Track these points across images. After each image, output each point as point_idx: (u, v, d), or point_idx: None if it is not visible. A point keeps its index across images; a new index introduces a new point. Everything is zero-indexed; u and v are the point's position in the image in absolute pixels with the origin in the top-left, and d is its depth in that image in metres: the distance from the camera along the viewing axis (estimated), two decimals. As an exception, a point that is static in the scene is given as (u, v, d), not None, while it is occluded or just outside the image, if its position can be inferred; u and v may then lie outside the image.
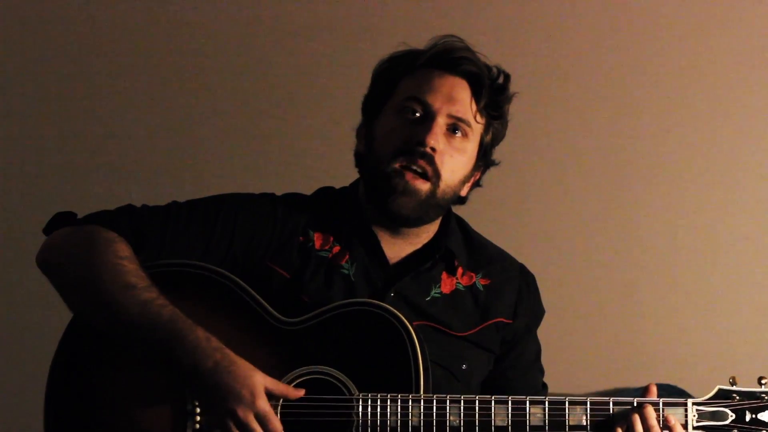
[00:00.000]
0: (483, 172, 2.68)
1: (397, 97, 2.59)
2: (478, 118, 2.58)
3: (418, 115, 2.55)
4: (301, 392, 2.42)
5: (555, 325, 3.43)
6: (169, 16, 3.74)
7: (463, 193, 2.64)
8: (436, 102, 2.55)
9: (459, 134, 2.56)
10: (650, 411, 2.40)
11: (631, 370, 3.62)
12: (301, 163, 3.67)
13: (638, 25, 3.69)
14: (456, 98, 2.56)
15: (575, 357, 3.61)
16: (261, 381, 2.37)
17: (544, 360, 2.77)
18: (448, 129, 2.56)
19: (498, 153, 2.70)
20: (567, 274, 3.64)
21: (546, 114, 3.66)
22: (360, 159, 2.65)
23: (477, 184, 2.68)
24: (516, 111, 3.53)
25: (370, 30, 3.69)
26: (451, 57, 2.57)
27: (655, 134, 3.67)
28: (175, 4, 3.75)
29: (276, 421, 2.37)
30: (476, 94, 2.57)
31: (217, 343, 2.38)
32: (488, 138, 2.63)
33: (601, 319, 3.65)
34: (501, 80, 2.62)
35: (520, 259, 2.77)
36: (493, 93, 2.60)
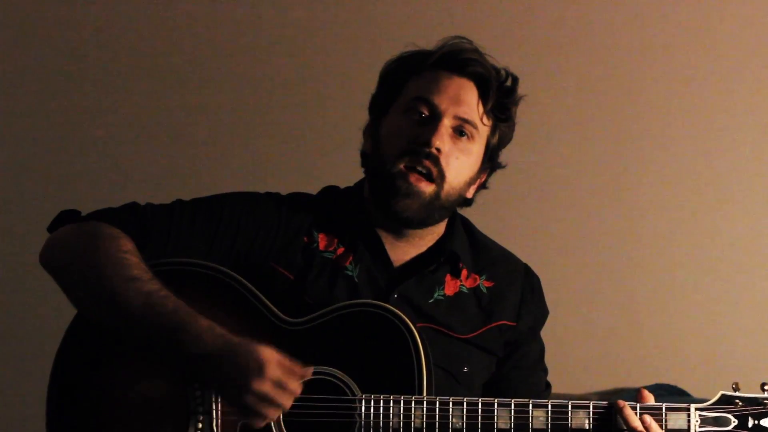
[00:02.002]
0: (489, 175, 2.67)
1: (404, 98, 2.58)
2: (485, 120, 2.58)
3: (424, 115, 2.55)
4: (310, 370, 2.39)
5: (556, 326, 3.41)
6: (170, 17, 3.74)
7: (469, 195, 2.63)
8: (443, 103, 2.54)
9: (465, 136, 2.56)
10: (627, 411, 2.41)
11: (632, 370, 3.63)
12: (304, 163, 3.66)
13: (640, 26, 3.69)
14: (463, 100, 2.55)
15: (576, 357, 3.61)
16: (268, 352, 2.34)
17: (546, 359, 2.77)
18: (454, 131, 2.55)
19: (502, 154, 2.70)
20: (568, 274, 3.64)
21: (548, 114, 3.66)
22: (366, 158, 2.65)
23: (483, 186, 2.67)
24: (519, 111, 3.54)
25: (373, 30, 3.68)
26: (459, 58, 2.57)
27: (657, 136, 3.68)
28: (176, 5, 3.74)
29: (292, 383, 2.34)
30: (483, 96, 2.56)
31: (220, 330, 2.37)
32: (495, 140, 2.62)
33: (601, 319, 3.66)
34: (509, 82, 2.61)
35: (522, 259, 2.76)
36: (500, 95, 2.59)
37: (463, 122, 2.55)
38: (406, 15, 3.69)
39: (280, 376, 2.33)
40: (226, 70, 3.73)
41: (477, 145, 2.58)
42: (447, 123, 2.54)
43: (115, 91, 3.73)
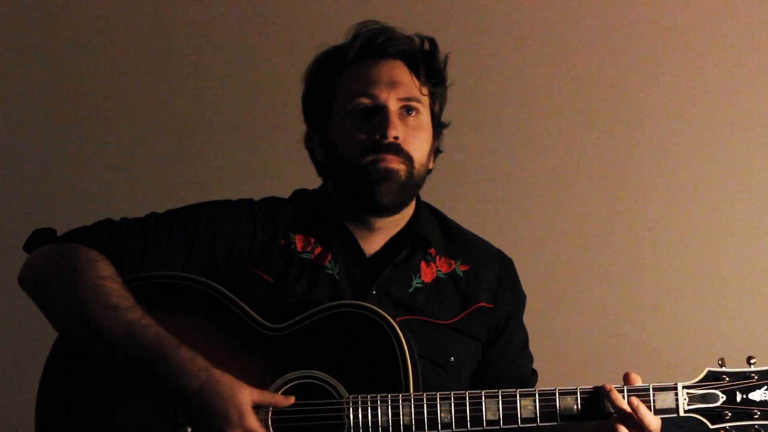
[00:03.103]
0: (439, 138, 2.70)
1: (342, 99, 2.60)
2: (423, 90, 2.61)
3: (368, 107, 2.57)
4: (291, 399, 2.41)
5: (550, 324, 3.43)
6: (169, 17, 3.75)
7: (431, 165, 2.66)
8: (382, 92, 2.57)
9: (413, 113, 2.59)
10: (615, 394, 2.42)
11: (627, 369, 3.60)
12: (300, 164, 3.66)
13: (639, 24, 3.70)
14: (398, 81, 2.59)
15: (574, 357, 3.60)
16: (248, 396, 2.36)
17: (540, 359, 2.77)
18: (401, 111, 2.58)
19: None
20: (566, 274, 3.63)
21: (546, 111, 3.65)
22: (322, 168, 2.67)
23: (438, 151, 2.70)
24: (516, 108, 3.55)
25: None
26: (377, 43, 2.61)
27: (653, 131, 3.68)
28: (175, 5, 3.75)
29: None
30: (414, 70, 2.61)
31: (203, 363, 2.37)
32: (437, 107, 2.66)
33: (599, 319, 3.64)
34: (427, 47, 2.64)
35: (517, 258, 2.77)
36: (427, 63, 2.62)
37: (407, 101, 2.58)
38: (401, 15, 3.70)
39: (256, 428, 2.36)
40: (224, 72, 3.74)
41: (424, 116, 2.62)
42: (393, 108, 2.57)
43: (114, 92, 3.73)
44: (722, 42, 3.68)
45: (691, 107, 3.68)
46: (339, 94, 2.61)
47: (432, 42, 2.65)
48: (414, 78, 2.60)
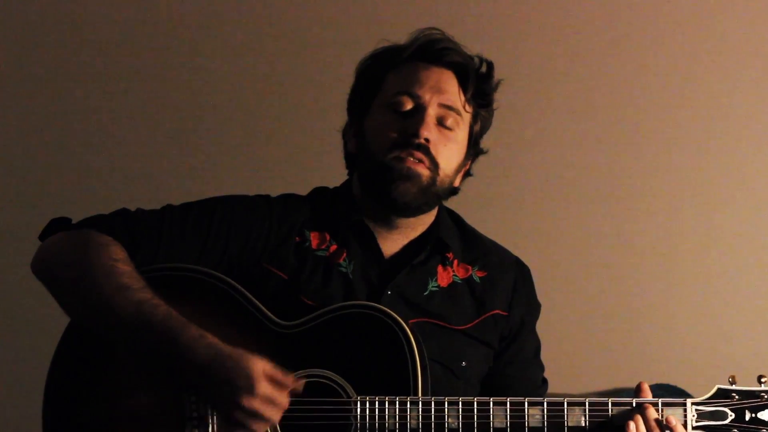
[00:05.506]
0: (473, 161, 2.69)
1: (385, 93, 2.60)
2: (467, 107, 2.60)
3: (408, 108, 2.57)
4: (301, 383, 2.38)
5: (554, 325, 3.42)
6: (169, 16, 3.74)
7: (456, 183, 2.65)
8: (426, 94, 2.56)
9: (450, 121, 2.58)
10: (651, 412, 2.40)
11: (631, 370, 3.61)
12: (300, 164, 3.66)
13: (638, 22, 3.69)
14: (444, 88, 2.58)
15: (575, 357, 3.60)
16: (260, 365, 2.33)
17: (544, 360, 2.76)
18: (438, 121, 2.57)
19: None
20: (567, 273, 3.63)
21: (546, 111, 3.65)
22: (351, 159, 2.66)
23: (468, 173, 2.69)
24: (516, 107, 3.54)
25: (370, 30, 3.67)
26: (434, 48, 2.59)
27: (655, 132, 3.67)
28: (175, 5, 3.74)
29: (282, 397, 2.33)
30: (463, 84, 2.59)
31: (212, 339, 2.36)
32: (477, 128, 2.64)
33: (600, 319, 3.64)
34: (484, 69, 2.64)
35: (522, 258, 2.77)
36: (479, 82, 2.61)
37: (448, 109, 2.57)
38: (401, 16, 3.69)
39: (271, 392, 2.33)
40: (223, 71, 3.73)
41: (461, 132, 2.60)
42: (432, 113, 2.56)
43: (114, 92, 3.72)
44: (722, 41, 3.67)
45: (698, 107, 3.67)
46: (383, 88, 2.60)
47: (490, 65, 2.64)
48: (461, 92, 2.59)
